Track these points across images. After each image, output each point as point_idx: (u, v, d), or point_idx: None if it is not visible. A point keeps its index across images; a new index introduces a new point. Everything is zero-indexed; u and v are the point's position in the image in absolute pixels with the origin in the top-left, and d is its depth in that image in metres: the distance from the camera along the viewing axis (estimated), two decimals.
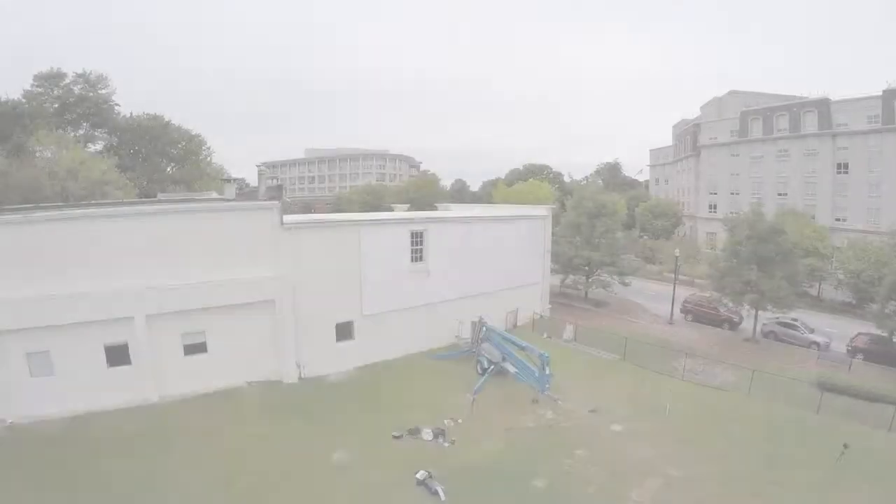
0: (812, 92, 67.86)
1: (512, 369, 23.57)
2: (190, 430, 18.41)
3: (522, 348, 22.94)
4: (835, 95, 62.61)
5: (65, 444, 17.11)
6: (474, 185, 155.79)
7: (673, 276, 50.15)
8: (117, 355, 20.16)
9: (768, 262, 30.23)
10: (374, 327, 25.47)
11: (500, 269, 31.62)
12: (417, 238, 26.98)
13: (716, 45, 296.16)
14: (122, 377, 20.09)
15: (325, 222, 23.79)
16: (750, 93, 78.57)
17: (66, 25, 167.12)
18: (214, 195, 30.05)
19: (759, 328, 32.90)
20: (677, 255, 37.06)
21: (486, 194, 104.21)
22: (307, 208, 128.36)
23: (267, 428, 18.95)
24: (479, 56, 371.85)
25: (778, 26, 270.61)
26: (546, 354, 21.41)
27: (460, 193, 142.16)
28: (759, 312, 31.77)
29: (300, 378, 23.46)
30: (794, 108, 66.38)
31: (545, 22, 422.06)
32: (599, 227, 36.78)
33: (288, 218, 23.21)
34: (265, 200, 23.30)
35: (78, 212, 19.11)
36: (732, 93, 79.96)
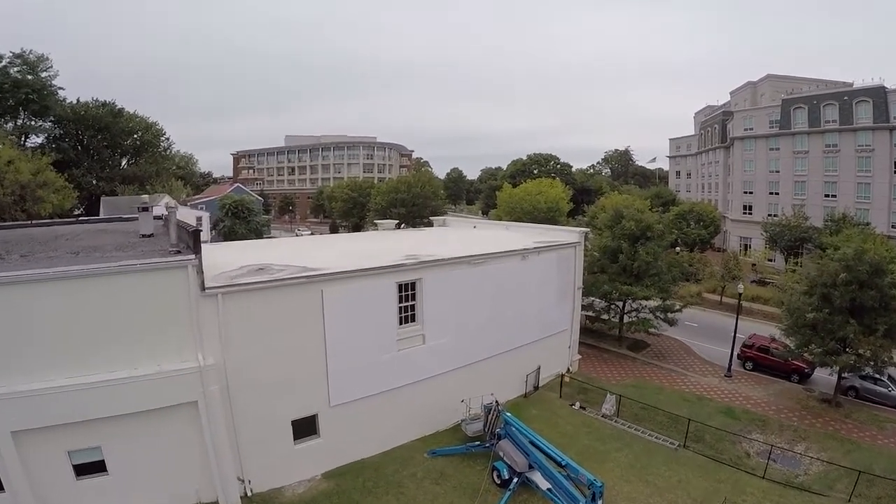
0: (856, 79, 60.05)
1: (543, 485, 16.67)
2: None
3: (562, 466, 16.03)
4: (890, 83, 54.85)
5: None
6: (470, 173, 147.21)
7: (717, 297, 43.28)
8: None
9: (867, 313, 23.19)
10: (347, 418, 18.40)
11: (520, 320, 24.30)
12: (408, 291, 19.69)
13: (735, 28, 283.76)
14: None
15: (268, 281, 16.37)
16: (790, 77, 70.44)
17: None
18: (167, 199, 23.09)
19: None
20: (741, 291, 29.51)
21: (487, 187, 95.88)
22: (287, 203, 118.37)
23: None
24: (472, 36, 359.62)
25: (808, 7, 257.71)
26: (599, 484, 14.48)
27: (457, 184, 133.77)
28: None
29: (246, 496, 16.70)
30: (845, 97, 58.27)
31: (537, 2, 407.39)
32: (644, 254, 29.41)
33: (213, 275, 16.03)
34: (174, 254, 15.42)
35: None
36: (770, 77, 71.67)
